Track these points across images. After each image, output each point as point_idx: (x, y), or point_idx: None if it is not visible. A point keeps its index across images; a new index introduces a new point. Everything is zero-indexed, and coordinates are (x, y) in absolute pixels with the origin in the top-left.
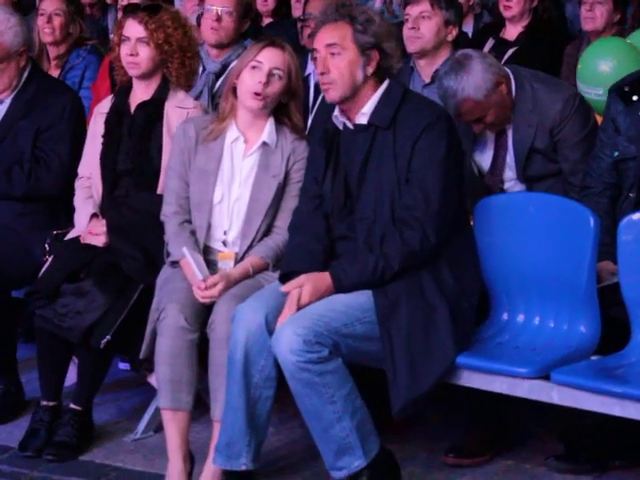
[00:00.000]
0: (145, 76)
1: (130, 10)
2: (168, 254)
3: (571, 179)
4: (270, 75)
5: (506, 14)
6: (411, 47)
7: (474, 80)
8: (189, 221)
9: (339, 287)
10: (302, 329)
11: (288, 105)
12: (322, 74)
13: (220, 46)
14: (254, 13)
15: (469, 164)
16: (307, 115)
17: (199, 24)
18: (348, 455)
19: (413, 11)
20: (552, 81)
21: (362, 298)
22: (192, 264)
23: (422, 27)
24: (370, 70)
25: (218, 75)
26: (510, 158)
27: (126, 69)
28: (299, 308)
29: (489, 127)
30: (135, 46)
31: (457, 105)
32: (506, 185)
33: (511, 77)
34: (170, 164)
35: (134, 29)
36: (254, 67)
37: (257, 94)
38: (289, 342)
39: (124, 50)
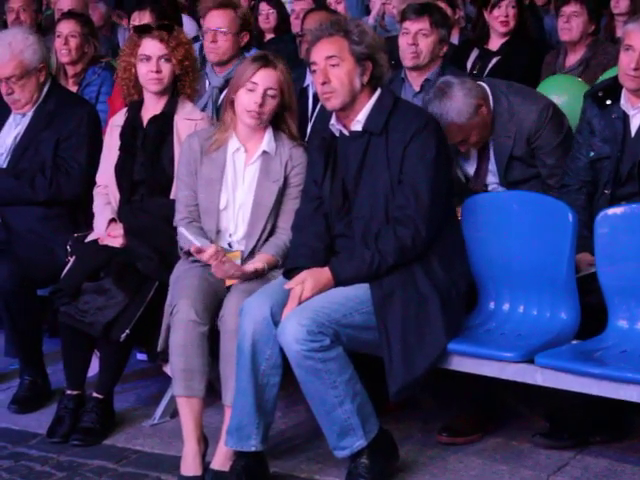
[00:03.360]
0: (163, 91)
1: (144, 30)
2: (181, 249)
3: (549, 181)
4: (265, 95)
5: (502, 30)
6: (408, 62)
7: (456, 105)
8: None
9: (338, 281)
10: (306, 320)
11: (283, 116)
12: (323, 84)
13: (221, 63)
14: (253, 26)
15: (455, 171)
16: (306, 123)
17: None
18: (350, 436)
19: (413, 27)
20: (527, 92)
21: (360, 291)
22: (188, 235)
23: (421, 44)
24: (365, 79)
25: (221, 89)
26: (492, 166)
27: (146, 86)
28: (301, 302)
29: (473, 145)
30: (158, 63)
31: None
32: (490, 188)
33: (489, 93)
34: (179, 175)
35: (155, 47)
36: (250, 89)
37: (253, 113)
38: (294, 332)
39: (145, 68)
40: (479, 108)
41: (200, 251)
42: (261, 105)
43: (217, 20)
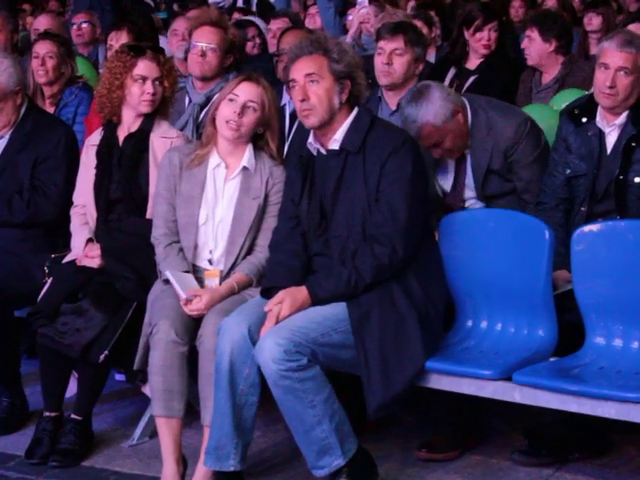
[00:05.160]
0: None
1: (138, 50)
2: (160, 273)
3: (525, 196)
4: (245, 107)
5: (483, 51)
6: (383, 80)
7: (433, 107)
8: (177, 241)
9: (316, 300)
10: (283, 340)
11: (264, 134)
12: (302, 101)
13: (204, 79)
14: (237, 49)
15: (432, 186)
16: (283, 142)
17: (186, 58)
18: (328, 455)
19: (387, 47)
20: (505, 107)
21: (337, 309)
22: (175, 285)
23: (395, 63)
24: (344, 97)
25: (202, 106)
26: (469, 180)
27: (137, 106)
28: (279, 321)
29: (447, 153)
30: (154, 85)
31: (417, 130)
32: (467, 204)
33: (467, 106)
34: (158, 190)
35: (151, 69)
36: (231, 99)
37: (231, 123)
38: (271, 352)
39: (141, 89)
40: (456, 114)
41: (189, 301)
42: (240, 115)
43: (208, 36)
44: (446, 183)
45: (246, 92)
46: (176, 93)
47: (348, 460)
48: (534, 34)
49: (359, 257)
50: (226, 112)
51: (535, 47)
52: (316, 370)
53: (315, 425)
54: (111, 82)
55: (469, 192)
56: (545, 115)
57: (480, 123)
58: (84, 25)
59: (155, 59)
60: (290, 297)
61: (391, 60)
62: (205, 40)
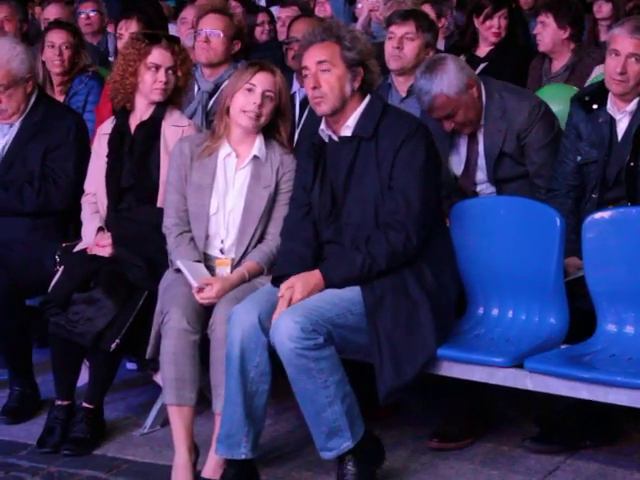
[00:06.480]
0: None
1: (153, 38)
2: (171, 262)
3: (536, 181)
4: (263, 97)
5: (493, 39)
6: (393, 65)
7: (448, 78)
8: (188, 231)
9: (329, 283)
10: (300, 317)
11: (276, 123)
12: (314, 88)
13: (210, 65)
14: (245, 36)
15: (446, 167)
16: (293, 130)
17: (194, 47)
18: (337, 437)
19: (398, 31)
20: (520, 91)
21: (352, 293)
22: (187, 275)
23: (405, 47)
24: (356, 85)
25: (211, 94)
26: (481, 161)
27: (149, 94)
28: (291, 305)
29: (458, 126)
30: (167, 74)
31: (430, 100)
32: (478, 187)
33: (482, 86)
34: (169, 180)
35: (165, 58)
36: (249, 90)
37: (251, 113)
38: (288, 330)
39: (154, 77)
40: (470, 87)
41: (201, 289)
42: (260, 106)
43: (213, 22)
44: (458, 165)
45: (263, 82)
46: None
47: (355, 444)
48: (549, 20)
49: (373, 243)
50: (244, 102)
51: (549, 33)
52: (331, 350)
53: (327, 406)
54: (124, 69)
55: (481, 174)
56: (563, 95)
57: (494, 105)
58: (92, 14)
59: (169, 48)
60: (302, 281)
61: (402, 44)
62: (209, 26)
